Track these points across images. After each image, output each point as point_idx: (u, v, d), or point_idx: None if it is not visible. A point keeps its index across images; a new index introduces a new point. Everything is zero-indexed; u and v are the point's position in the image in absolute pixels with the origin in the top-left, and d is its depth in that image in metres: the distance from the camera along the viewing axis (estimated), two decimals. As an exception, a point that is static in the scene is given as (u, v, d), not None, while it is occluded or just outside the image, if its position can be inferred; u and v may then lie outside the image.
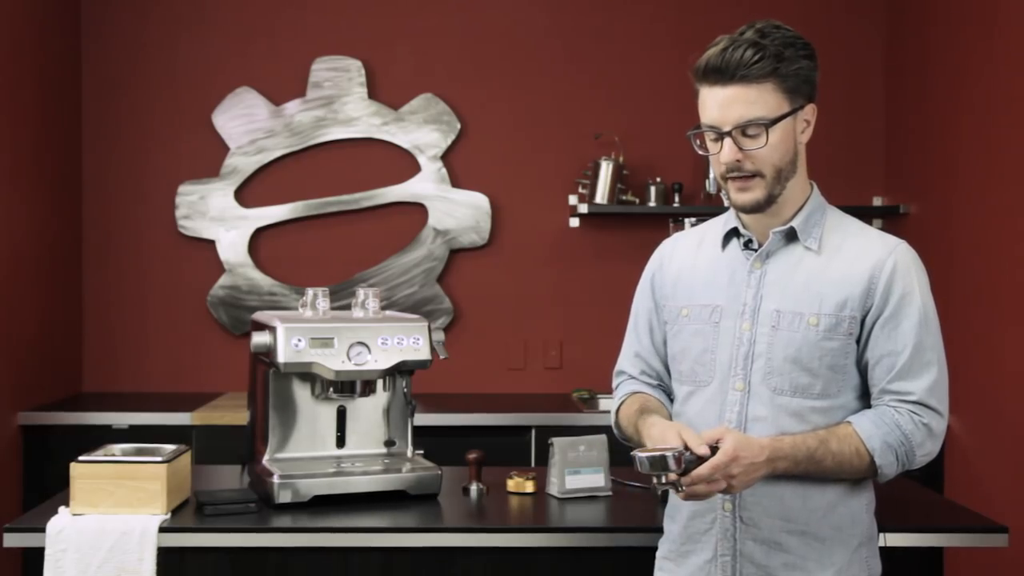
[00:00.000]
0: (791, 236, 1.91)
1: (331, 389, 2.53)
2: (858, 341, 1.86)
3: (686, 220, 4.25)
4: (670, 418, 2.00)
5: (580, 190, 4.44)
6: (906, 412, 1.84)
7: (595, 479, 2.56)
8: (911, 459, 1.85)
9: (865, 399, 1.90)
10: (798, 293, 1.87)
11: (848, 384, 1.87)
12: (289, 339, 2.44)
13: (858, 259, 1.87)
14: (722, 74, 1.84)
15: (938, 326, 1.90)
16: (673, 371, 2.02)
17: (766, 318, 1.88)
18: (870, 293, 1.85)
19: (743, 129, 1.84)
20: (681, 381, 1.98)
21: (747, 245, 1.95)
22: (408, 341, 2.52)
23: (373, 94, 4.52)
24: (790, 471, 1.81)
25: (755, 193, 1.87)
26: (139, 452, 2.43)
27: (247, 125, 4.49)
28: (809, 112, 1.89)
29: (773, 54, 1.83)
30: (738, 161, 1.85)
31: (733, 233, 1.97)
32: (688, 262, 2.03)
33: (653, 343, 2.08)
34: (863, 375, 1.89)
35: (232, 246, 4.49)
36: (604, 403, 4.27)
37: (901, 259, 1.87)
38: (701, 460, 1.72)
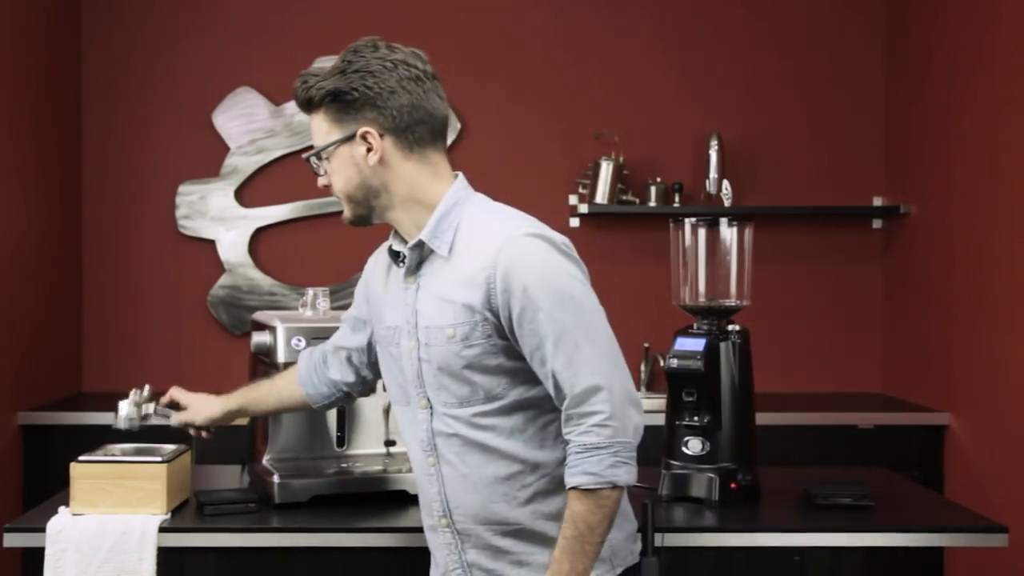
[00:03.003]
0: (427, 248, 1.89)
1: (331, 389, 2.53)
2: (504, 336, 1.82)
3: (686, 220, 4.24)
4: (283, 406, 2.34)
5: (580, 190, 4.44)
6: (580, 435, 1.77)
7: (595, 479, 2.56)
8: (619, 448, 1.77)
9: (537, 384, 1.83)
10: (438, 305, 1.86)
11: (513, 379, 1.84)
12: (289, 339, 2.44)
13: (476, 258, 1.83)
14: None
15: (581, 304, 1.80)
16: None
17: (422, 335, 1.88)
18: (491, 294, 1.80)
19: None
20: (395, 400, 2.02)
21: (404, 262, 1.94)
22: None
23: (373, 94, 4.51)
24: None
25: (344, 212, 1.96)
26: (139, 452, 2.43)
27: (247, 125, 4.49)
28: (370, 138, 1.85)
29: (310, 86, 1.87)
30: (326, 186, 1.94)
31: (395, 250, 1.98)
32: (379, 281, 2.05)
33: (353, 331, 2.21)
34: (525, 362, 1.83)
35: (232, 246, 4.49)
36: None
37: (512, 252, 1.79)
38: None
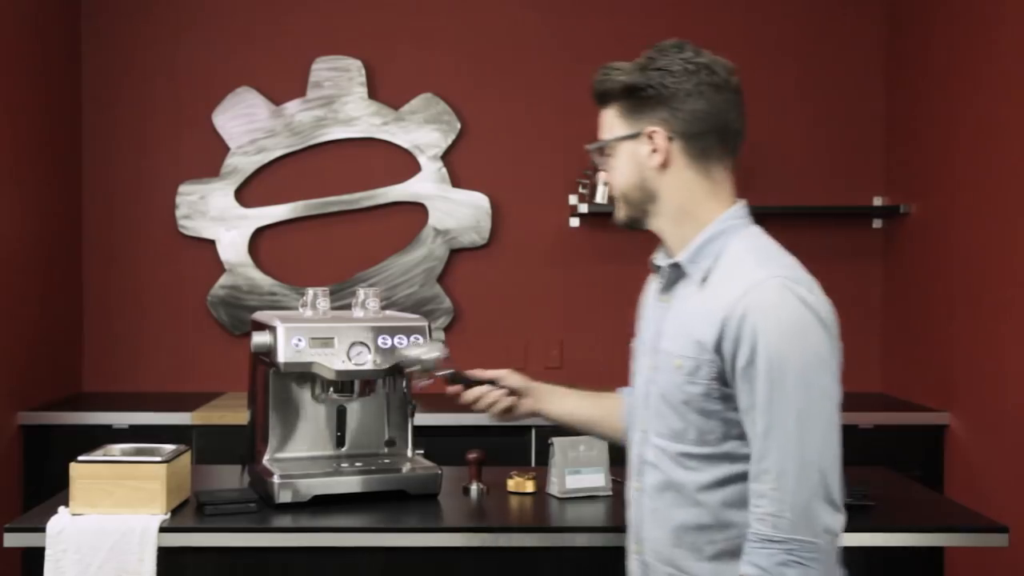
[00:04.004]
0: (681, 270, 1.82)
1: (331, 389, 2.53)
2: (726, 383, 1.69)
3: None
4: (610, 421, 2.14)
5: (580, 190, 4.44)
6: (756, 520, 1.65)
7: (595, 479, 2.56)
8: (796, 547, 1.63)
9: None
10: (676, 331, 1.77)
11: (728, 431, 1.71)
12: (289, 339, 2.44)
13: (723, 295, 1.70)
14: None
15: (808, 383, 1.68)
16: None
17: (658, 358, 1.81)
18: (723, 337, 1.68)
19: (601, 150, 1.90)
20: (628, 414, 1.98)
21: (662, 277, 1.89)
22: (408, 341, 2.52)
23: (373, 94, 4.52)
24: None
25: (617, 212, 1.91)
26: (139, 452, 2.43)
27: (247, 125, 4.49)
28: (656, 139, 1.79)
29: (609, 78, 1.88)
30: (606, 183, 1.91)
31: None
32: (649, 293, 1.99)
33: None
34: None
35: (232, 246, 4.49)
36: (604, 403, 4.27)
37: (756, 300, 1.66)
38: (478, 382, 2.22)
